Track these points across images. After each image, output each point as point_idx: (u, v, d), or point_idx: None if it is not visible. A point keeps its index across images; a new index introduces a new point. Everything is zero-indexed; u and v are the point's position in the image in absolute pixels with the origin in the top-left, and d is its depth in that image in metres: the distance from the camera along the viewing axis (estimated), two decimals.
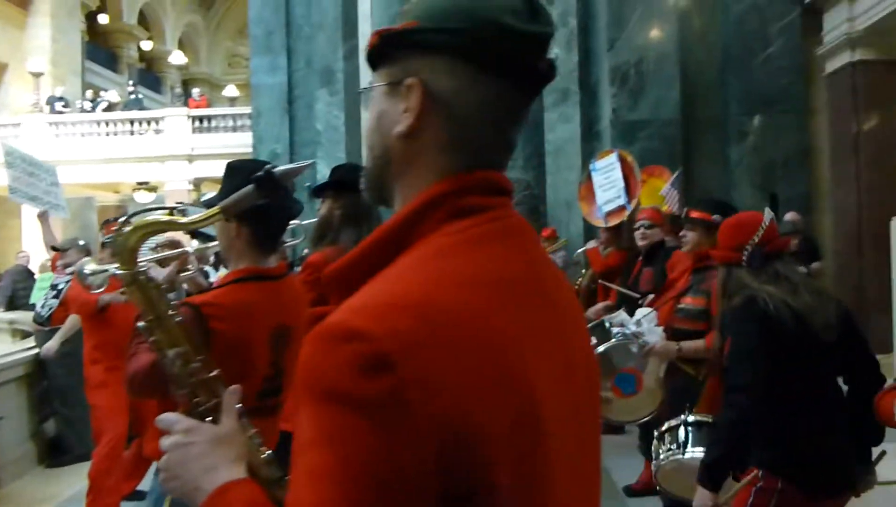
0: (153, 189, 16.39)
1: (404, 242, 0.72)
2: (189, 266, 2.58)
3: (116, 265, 1.06)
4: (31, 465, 5.50)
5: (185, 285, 2.79)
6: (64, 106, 16.92)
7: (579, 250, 6.23)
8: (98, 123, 16.26)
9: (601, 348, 3.44)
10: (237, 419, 0.94)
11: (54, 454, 5.67)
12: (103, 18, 24.13)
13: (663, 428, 2.78)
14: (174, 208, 1.19)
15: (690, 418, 2.70)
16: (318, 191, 2.84)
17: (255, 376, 1.96)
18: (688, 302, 3.28)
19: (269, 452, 1.02)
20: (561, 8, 8.00)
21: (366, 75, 12.50)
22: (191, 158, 15.70)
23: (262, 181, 0.95)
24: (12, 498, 4.97)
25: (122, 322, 4.22)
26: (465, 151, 0.76)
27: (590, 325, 3.55)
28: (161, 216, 1.02)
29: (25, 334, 7.88)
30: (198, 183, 16.11)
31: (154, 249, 2.73)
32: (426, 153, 0.76)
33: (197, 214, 0.94)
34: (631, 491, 4.38)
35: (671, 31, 7.72)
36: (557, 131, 7.98)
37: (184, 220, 0.97)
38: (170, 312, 1.02)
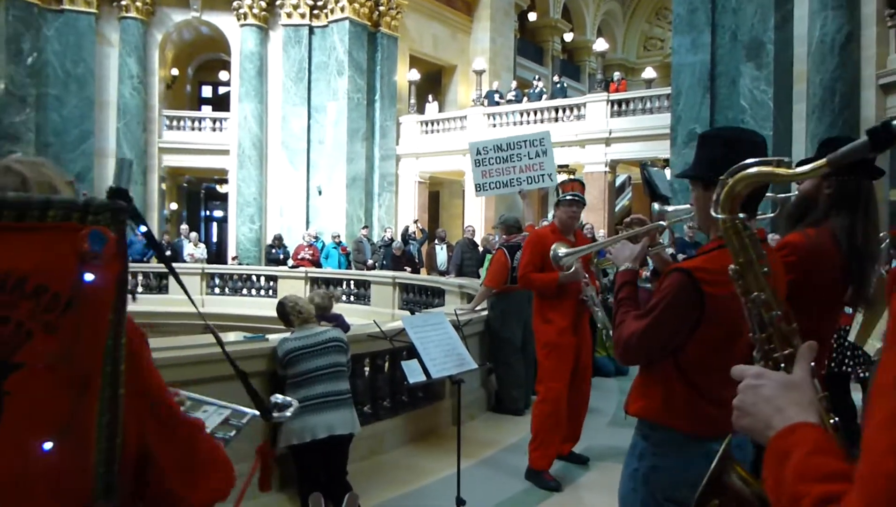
0: (572, 172, 17.35)
1: None
2: (660, 241, 2.56)
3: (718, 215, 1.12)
4: (481, 410, 6.35)
5: (649, 260, 2.80)
6: (499, 98, 18.97)
7: None
8: (526, 112, 17.83)
9: None
10: (809, 373, 0.92)
11: (496, 402, 6.47)
12: (532, 16, 26.35)
13: None
14: (780, 160, 1.18)
15: None
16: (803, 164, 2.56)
17: (745, 339, 1.93)
18: None
19: (836, 419, 0.96)
20: None
21: (800, 43, 11.38)
22: (608, 141, 16.20)
23: (877, 133, 0.81)
24: (466, 435, 5.80)
25: (574, 291, 4.58)
26: None
27: None
28: (764, 168, 1.03)
29: (471, 298, 9.11)
30: (613, 165, 16.56)
31: (625, 228, 2.74)
32: None
33: (801, 168, 0.91)
34: None
35: None
36: None
37: (786, 171, 0.96)
38: (759, 260, 1.06)
